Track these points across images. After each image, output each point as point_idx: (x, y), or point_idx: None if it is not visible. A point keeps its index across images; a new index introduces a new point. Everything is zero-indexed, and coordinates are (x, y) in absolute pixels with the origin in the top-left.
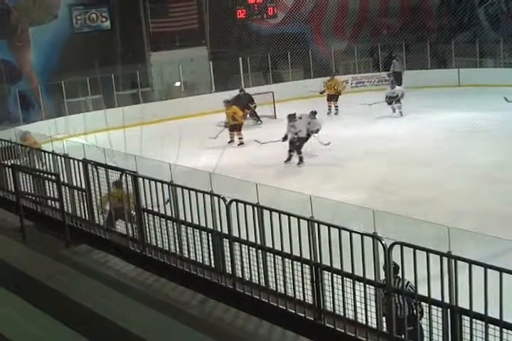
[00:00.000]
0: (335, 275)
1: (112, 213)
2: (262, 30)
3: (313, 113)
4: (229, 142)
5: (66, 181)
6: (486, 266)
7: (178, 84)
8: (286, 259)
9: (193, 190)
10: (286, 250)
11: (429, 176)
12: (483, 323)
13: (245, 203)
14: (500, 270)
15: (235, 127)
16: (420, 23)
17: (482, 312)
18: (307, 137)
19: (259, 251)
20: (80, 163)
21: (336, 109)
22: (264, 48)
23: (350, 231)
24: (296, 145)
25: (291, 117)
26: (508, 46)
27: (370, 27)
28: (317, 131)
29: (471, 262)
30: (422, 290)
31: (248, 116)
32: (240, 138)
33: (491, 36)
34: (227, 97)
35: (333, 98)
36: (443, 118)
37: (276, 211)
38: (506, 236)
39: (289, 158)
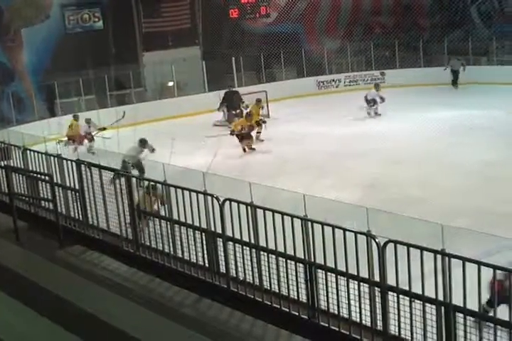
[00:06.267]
0: (329, 273)
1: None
2: (254, 29)
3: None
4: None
5: (59, 182)
6: (479, 264)
7: (171, 84)
8: (280, 258)
9: (186, 189)
10: (280, 249)
11: (424, 174)
12: (477, 320)
13: (239, 202)
14: (494, 267)
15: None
16: (413, 21)
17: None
18: None
19: (253, 250)
20: (73, 164)
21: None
22: (257, 47)
23: (344, 230)
24: None
25: None
26: (500, 44)
27: (362, 26)
28: None
29: (464, 259)
30: (416, 288)
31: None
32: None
33: (484, 34)
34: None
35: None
36: (436, 116)
37: (269, 210)
38: (500, 234)
39: None
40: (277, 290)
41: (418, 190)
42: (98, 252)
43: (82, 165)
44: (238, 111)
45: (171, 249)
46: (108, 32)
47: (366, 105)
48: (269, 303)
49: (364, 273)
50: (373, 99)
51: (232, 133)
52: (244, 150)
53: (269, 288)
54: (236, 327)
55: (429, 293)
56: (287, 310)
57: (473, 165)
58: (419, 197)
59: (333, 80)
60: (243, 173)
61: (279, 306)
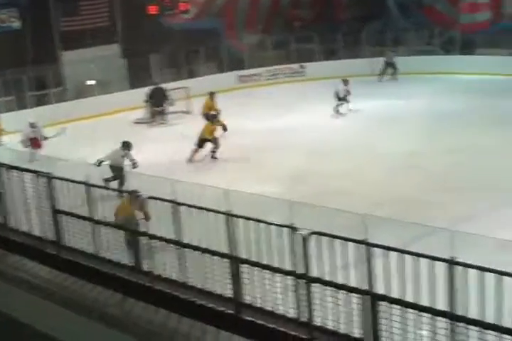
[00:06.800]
0: (254, 267)
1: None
2: (174, 25)
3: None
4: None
5: None
6: (402, 252)
7: (91, 82)
8: (205, 254)
9: (108, 188)
10: (205, 245)
11: (348, 166)
12: (401, 308)
13: (161, 200)
14: (417, 255)
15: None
16: (332, 13)
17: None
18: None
19: (177, 247)
20: None
21: None
22: (177, 44)
23: (268, 223)
24: None
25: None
26: (418, 34)
27: (282, 19)
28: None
29: (387, 248)
30: (341, 279)
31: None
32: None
33: (402, 25)
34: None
35: None
36: (360, 107)
37: (192, 206)
38: (423, 221)
39: None
40: (203, 287)
41: (343, 182)
42: (19, 255)
43: (2, 168)
44: (162, 108)
45: (94, 249)
46: (26, 32)
47: (338, 102)
48: (195, 300)
49: (289, 266)
50: (345, 96)
51: (215, 146)
52: (212, 156)
53: (194, 284)
54: (162, 325)
55: (354, 282)
56: (213, 306)
57: (397, 156)
58: (343, 189)
59: (254, 74)
60: (167, 171)
61: (204, 302)
